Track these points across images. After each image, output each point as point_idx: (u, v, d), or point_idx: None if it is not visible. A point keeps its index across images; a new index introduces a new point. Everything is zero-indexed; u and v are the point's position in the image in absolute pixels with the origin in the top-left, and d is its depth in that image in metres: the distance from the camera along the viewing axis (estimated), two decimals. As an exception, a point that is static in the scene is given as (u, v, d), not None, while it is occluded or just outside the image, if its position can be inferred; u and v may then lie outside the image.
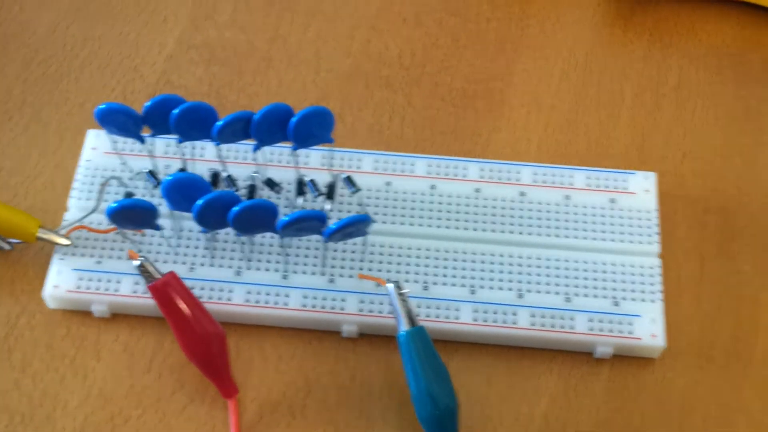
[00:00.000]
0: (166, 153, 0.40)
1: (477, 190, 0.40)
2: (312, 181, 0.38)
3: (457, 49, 0.45)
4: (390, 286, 0.34)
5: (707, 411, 0.37)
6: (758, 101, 0.44)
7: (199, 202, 0.33)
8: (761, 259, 0.40)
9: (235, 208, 0.33)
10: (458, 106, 0.43)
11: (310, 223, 0.34)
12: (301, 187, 0.38)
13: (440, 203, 0.39)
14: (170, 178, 0.34)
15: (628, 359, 0.38)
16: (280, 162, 0.40)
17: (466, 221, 0.39)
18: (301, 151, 0.39)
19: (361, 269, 0.38)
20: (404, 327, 0.34)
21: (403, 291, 0.34)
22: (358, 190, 0.37)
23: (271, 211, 0.34)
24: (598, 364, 0.37)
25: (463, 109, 0.43)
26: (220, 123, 0.35)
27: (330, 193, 0.38)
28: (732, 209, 0.41)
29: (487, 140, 0.43)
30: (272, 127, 0.36)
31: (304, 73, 0.44)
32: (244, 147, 0.40)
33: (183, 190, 0.34)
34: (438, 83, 0.44)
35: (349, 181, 0.37)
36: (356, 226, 0.35)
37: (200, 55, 0.44)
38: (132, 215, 0.35)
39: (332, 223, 0.34)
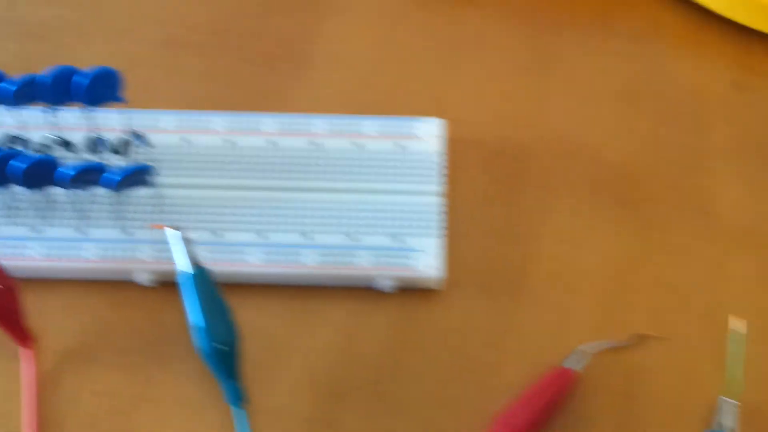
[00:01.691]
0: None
1: (272, 143, 0.42)
2: (106, 139, 0.40)
3: (264, 12, 0.47)
4: (170, 230, 0.36)
5: (485, 336, 0.39)
6: (550, 52, 0.47)
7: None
8: (544, 197, 0.42)
9: (15, 163, 0.34)
10: (265, 66, 0.46)
11: (93, 175, 0.36)
12: (95, 146, 0.40)
13: (237, 156, 0.41)
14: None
15: (412, 292, 0.40)
16: (77, 124, 0.42)
17: (262, 171, 0.41)
18: (100, 112, 0.41)
19: (158, 221, 0.40)
20: (186, 268, 0.36)
21: (184, 235, 0.36)
22: (148, 144, 0.39)
23: (51, 164, 0.35)
24: (383, 298, 0.39)
25: (269, 70, 0.45)
26: (8, 86, 0.36)
27: (123, 150, 0.40)
28: (521, 153, 0.44)
29: (293, 99, 0.46)
30: (61, 89, 0.38)
31: (115, 42, 0.46)
32: (38, 110, 0.41)
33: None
34: (245, 47, 0.46)
35: (139, 137, 0.39)
36: (138, 175, 0.37)
37: (13, 30, 0.46)
38: None
39: (115, 174, 0.36)
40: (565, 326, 0.39)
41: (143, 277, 0.38)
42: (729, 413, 0.36)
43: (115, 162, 0.40)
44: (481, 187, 0.42)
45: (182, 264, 0.36)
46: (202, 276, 0.36)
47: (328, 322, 0.39)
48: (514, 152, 0.43)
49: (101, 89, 0.38)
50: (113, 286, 0.39)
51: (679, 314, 0.39)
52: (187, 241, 0.36)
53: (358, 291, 0.39)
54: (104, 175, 0.35)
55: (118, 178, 0.35)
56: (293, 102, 0.45)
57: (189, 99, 0.45)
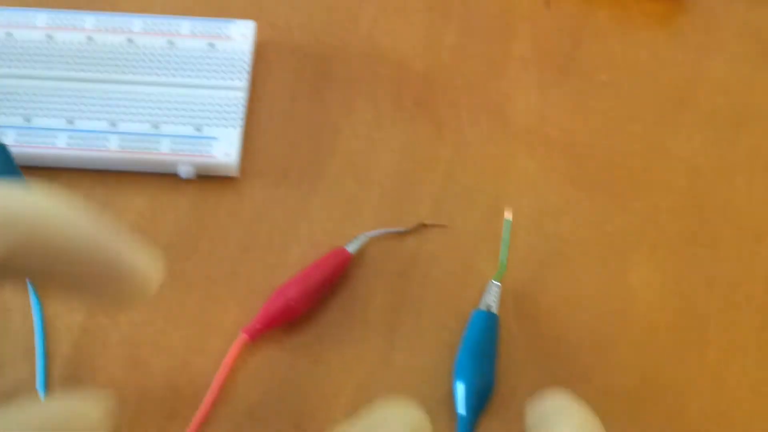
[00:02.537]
0: None
1: (90, 39, 0.44)
2: None
3: None
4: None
5: (277, 221, 0.42)
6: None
7: None
8: (348, 98, 0.45)
9: None
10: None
11: None
12: None
13: (56, 50, 0.44)
14: None
15: (211, 179, 0.42)
16: None
17: (77, 65, 0.44)
18: None
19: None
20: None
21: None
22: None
23: None
24: (184, 184, 0.42)
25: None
26: None
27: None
28: (330, 56, 0.46)
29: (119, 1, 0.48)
30: None
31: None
32: None
33: None
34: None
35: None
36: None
37: None
38: None
39: None
40: (354, 215, 0.42)
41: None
42: (493, 293, 0.39)
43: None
44: (287, 85, 0.45)
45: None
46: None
47: (131, 205, 0.42)
48: (323, 55, 0.46)
49: None
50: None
51: (463, 206, 0.42)
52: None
53: (160, 177, 0.42)
54: None
55: None
56: (119, 4, 0.47)
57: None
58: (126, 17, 0.45)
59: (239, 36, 0.44)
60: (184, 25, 0.45)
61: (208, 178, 0.42)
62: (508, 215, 0.40)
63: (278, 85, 0.44)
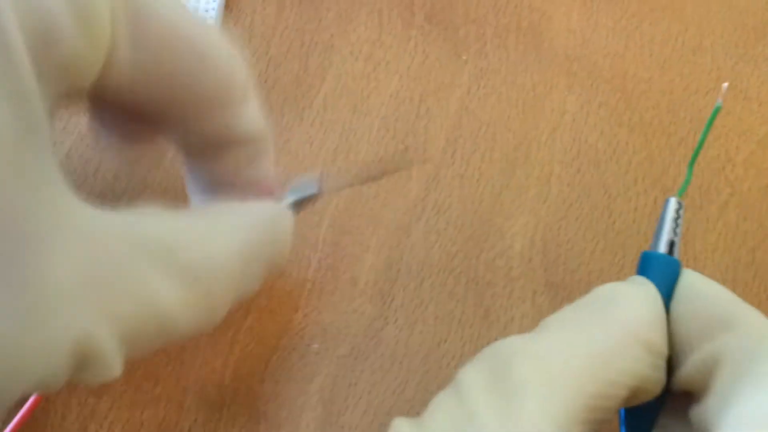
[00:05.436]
0: None
1: None
2: None
3: None
4: None
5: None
6: None
7: None
8: (346, 7, 0.36)
9: None
10: None
11: None
12: None
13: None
14: None
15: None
16: None
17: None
18: None
19: None
20: None
21: None
22: None
23: None
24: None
25: None
26: None
27: None
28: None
29: None
30: None
31: None
32: None
33: None
34: None
35: None
36: None
37: None
38: None
39: None
40: (348, 151, 0.33)
41: None
42: (674, 216, 0.27)
43: None
44: (277, -6, 0.35)
45: None
46: None
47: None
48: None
49: None
50: None
51: (483, 148, 0.33)
52: None
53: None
54: None
55: None
56: None
57: None
58: None
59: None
60: None
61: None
62: (720, 98, 0.27)
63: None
